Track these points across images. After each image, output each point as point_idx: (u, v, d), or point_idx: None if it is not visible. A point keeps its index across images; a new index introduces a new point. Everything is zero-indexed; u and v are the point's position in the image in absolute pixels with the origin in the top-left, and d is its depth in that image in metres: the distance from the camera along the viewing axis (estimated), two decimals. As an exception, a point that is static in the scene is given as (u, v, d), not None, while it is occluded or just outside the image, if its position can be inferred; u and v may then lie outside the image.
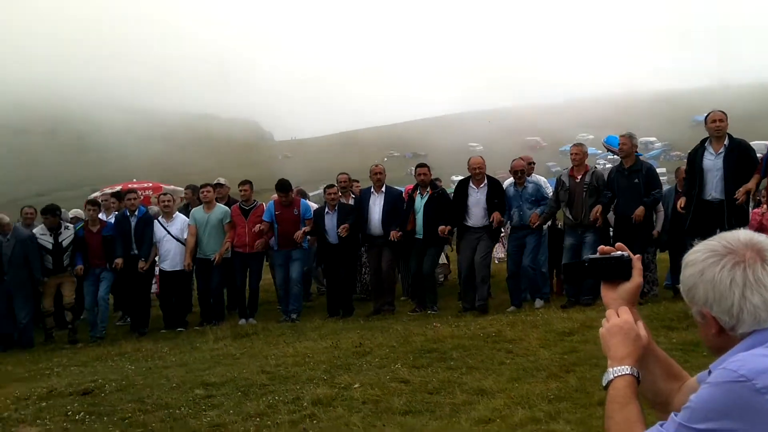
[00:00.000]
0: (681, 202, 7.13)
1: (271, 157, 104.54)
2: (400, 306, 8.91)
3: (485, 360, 5.44)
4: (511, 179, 8.53)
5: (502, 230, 9.28)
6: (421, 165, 8.75)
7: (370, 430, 3.88)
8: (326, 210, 8.78)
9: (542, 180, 8.72)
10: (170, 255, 8.79)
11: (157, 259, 9.03)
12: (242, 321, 8.66)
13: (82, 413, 4.52)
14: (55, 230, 8.61)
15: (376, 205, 8.64)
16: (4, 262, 8.36)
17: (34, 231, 8.71)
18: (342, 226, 8.40)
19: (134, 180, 15.22)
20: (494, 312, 7.95)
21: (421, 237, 8.40)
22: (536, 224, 8.00)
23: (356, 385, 4.84)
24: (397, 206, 8.62)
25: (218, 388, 5.05)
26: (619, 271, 1.59)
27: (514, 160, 8.43)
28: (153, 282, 9.66)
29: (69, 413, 4.55)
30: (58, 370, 6.74)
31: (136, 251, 8.69)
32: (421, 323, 7.56)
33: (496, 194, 8.16)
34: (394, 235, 8.25)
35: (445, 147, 78.62)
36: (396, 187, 9.56)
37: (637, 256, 1.62)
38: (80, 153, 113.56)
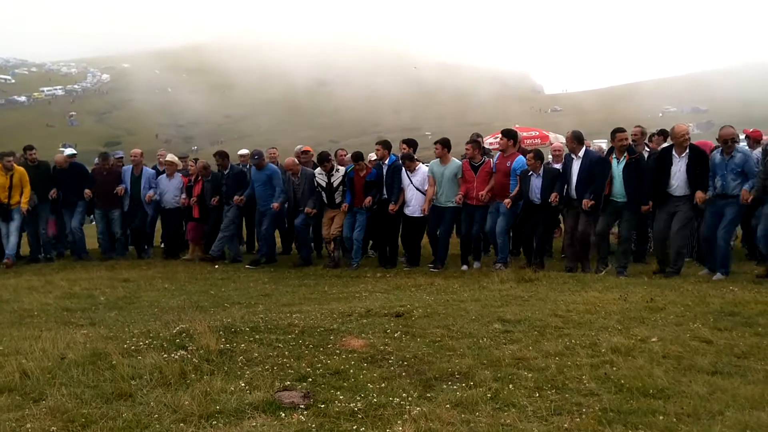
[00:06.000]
0: None
1: (541, 110, 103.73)
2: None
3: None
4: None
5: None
6: (620, 130, 8.73)
7: (676, 385, 3.87)
8: (530, 173, 9.12)
9: (748, 151, 8.53)
10: (412, 202, 9.99)
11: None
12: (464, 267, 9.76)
13: (398, 332, 5.18)
14: (328, 172, 10.28)
15: (574, 168, 8.88)
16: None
17: (315, 171, 10.52)
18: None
19: (516, 125, 15.85)
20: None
21: (618, 200, 8.55)
22: (748, 200, 7.79)
23: (654, 339, 4.82)
24: (594, 171, 8.72)
25: (514, 324, 5.39)
26: None
27: (722, 128, 8.20)
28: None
29: (387, 331, 5.25)
30: (366, 294, 7.73)
31: (386, 195, 10.11)
32: (714, 285, 7.30)
33: (698, 164, 8.12)
34: (585, 204, 8.54)
35: (731, 100, 69.64)
36: (594, 152, 9.57)
37: None
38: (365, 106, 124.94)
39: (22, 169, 10.97)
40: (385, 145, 10.46)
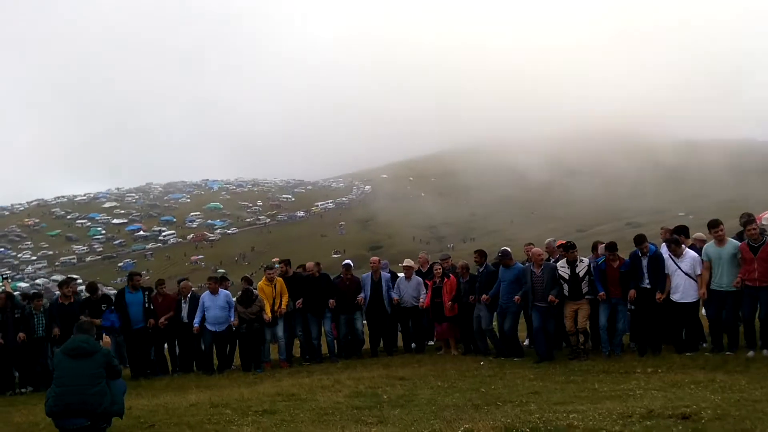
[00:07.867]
0: None
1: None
2: None
3: None
4: None
5: None
6: None
7: None
8: None
9: None
10: (680, 288, 9.73)
11: None
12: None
13: (684, 436, 4.93)
14: (572, 263, 10.30)
15: None
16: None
17: (557, 264, 10.61)
18: None
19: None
20: None
21: None
22: None
23: None
24: None
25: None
26: None
27: None
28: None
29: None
30: (640, 392, 7.36)
31: (647, 284, 9.91)
32: None
33: None
34: None
35: None
36: None
37: None
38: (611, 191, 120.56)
39: (281, 279, 12.71)
40: (642, 238, 10.31)
